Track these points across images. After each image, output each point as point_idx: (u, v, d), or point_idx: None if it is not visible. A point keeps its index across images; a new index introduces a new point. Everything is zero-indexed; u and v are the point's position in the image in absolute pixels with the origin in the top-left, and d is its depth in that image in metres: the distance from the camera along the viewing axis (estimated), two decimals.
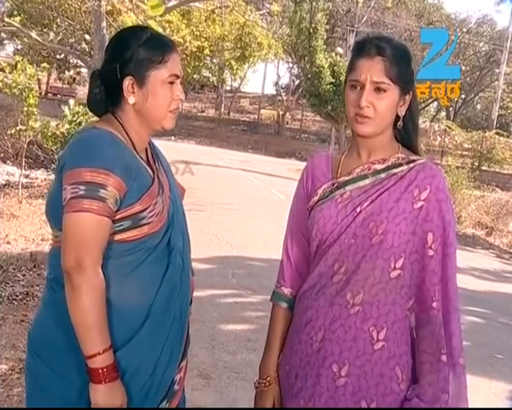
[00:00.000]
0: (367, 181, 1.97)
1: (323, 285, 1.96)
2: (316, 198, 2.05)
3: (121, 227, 1.86)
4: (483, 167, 31.30)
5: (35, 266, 6.94)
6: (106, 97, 2.02)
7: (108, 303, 1.83)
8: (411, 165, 1.95)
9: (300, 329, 2.00)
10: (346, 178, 2.01)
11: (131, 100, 1.96)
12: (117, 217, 1.84)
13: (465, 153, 33.47)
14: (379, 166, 1.98)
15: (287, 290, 2.14)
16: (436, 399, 1.84)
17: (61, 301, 1.82)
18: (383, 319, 1.88)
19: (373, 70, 1.90)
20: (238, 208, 13.43)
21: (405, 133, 2.04)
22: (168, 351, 1.97)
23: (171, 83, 1.98)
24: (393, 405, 1.86)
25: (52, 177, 12.42)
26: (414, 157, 1.99)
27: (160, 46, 1.98)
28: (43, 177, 13.72)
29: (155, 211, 1.91)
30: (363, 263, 1.89)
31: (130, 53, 1.94)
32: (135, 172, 1.89)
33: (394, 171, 1.95)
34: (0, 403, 3.92)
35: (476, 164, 31.55)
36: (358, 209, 1.93)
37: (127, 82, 1.95)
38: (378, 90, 1.90)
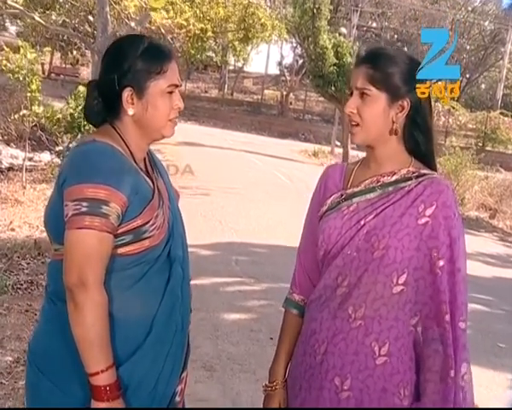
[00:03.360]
0: (374, 194, 1.96)
1: (328, 297, 1.97)
2: (324, 208, 2.06)
3: (123, 241, 1.86)
4: (487, 148, 31.20)
5: (39, 254, 6.96)
6: (104, 108, 2.00)
7: (111, 317, 1.83)
8: (420, 179, 1.93)
9: (306, 340, 2.01)
10: (355, 189, 2.01)
11: (131, 111, 1.94)
12: (119, 231, 1.84)
13: (469, 133, 33.37)
14: (387, 180, 1.96)
15: (298, 297, 2.15)
16: None
17: (62, 315, 1.81)
18: (385, 335, 1.87)
19: (357, 77, 1.94)
20: (242, 192, 13.41)
21: (415, 145, 1.99)
22: (170, 363, 1.97)
23: (170, 92, 1.97)
24: None
25: (56, 160, 12.43)
26: (425, 171, 1.96)
27: (158, 56, 1.96)
28: (46, 159, 13.70)
29: (157, 224, 1.90)
30: (364, 277, 1.89)
31: (128, 64, 1.92)
32: (136, 185, 1.88)
33: (402, 185, 1.93)
34: (5, 396, 3.94)
35: (480, 144, 31.45)
36: (362, 222, 1.92)
37: (126, 93, 1.93)
38: (363, 95, 1.93)
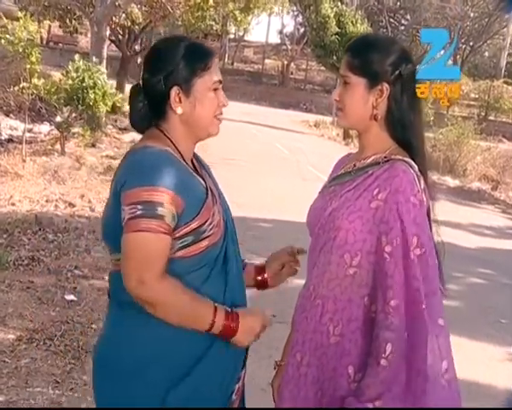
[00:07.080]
0: (348, 178, 1.99)
1: (307, 276, 2.05)
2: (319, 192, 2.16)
3: (184, 243, 1.86)
4: (490, 117, 31.09)
5: (40, 230, 6.97)
6: (150, 111, 2.01)
7: (177, 328, 1.86)
8: (385, 164, 1.91)
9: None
10: (337, 174, 2.07)
11: (179, 110, 1.94)
12: (179, 234, 1.85)
13: (472, 103, 33.21)
14: (361, 164, 1.99)
15: None
16: (371, 402, 1.81)
17: (130, 320, 1.90)
18: (339, 315, 1.89)
19: (341, 66, 2.01)
20: (243, 165, 13.40)
21: (395, 130, 1.97)
22: (232, 363, 1.98)
23: (215, 89, 1.98)
24: (340, 403, 1.86)
25: (55, 132, 12.38)
26: (397, 157, 1.92)
27: (201, 53, 1.96)
28: (46, 131, 13.62)
29: (214, 222, 1.92)
30: (322, 256, 1.94)
31: (174, 63, 1.93)
32: (191, 187, 1.90)
33: (369, 169, 1.94)
34: (8, 375, 3.95)
35: (483, 114, 31.33)
36: (329, 204, 1.97)
37: (174, 92, 1.92)
38: (345, 83, 1.98)
